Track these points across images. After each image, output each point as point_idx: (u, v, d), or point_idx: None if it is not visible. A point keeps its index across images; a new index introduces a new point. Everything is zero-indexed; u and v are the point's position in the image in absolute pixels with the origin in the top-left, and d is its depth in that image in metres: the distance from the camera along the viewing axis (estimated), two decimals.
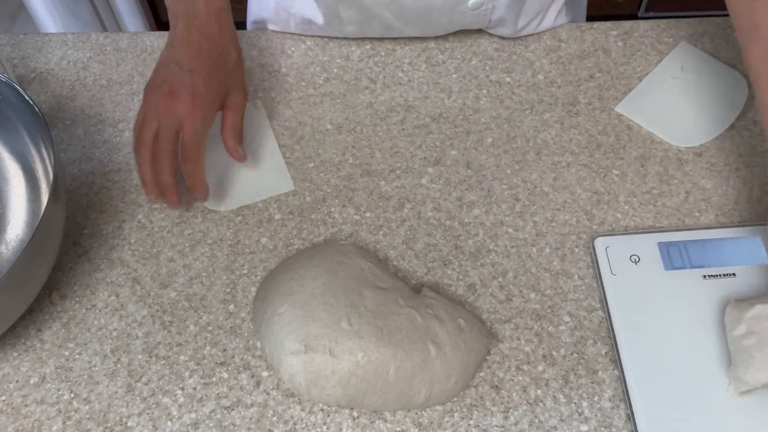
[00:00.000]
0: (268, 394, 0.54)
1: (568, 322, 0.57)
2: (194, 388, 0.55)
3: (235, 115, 0.62)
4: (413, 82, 0.72)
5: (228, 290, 0.59)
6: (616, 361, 0.54)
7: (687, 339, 0.54)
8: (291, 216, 0.63)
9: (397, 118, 0.69)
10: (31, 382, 0.55)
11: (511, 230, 0.62)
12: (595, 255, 0.59)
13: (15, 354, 0.57)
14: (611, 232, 0.61)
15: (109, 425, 0.53)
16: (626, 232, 0.61)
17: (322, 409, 0.53)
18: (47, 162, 0.62)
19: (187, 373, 0.55)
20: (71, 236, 0.63)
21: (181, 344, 0.57)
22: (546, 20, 0.74)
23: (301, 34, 0.76)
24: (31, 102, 0.57)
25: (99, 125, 0.70)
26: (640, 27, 0.75)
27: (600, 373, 0.54)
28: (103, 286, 0.60)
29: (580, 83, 0.71)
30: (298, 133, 0.69)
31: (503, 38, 0.74)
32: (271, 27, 0.77)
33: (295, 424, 0.53)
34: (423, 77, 0.72)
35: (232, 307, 0.58)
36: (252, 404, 0.54)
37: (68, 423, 0.53)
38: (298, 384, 0.50)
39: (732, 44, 0.73)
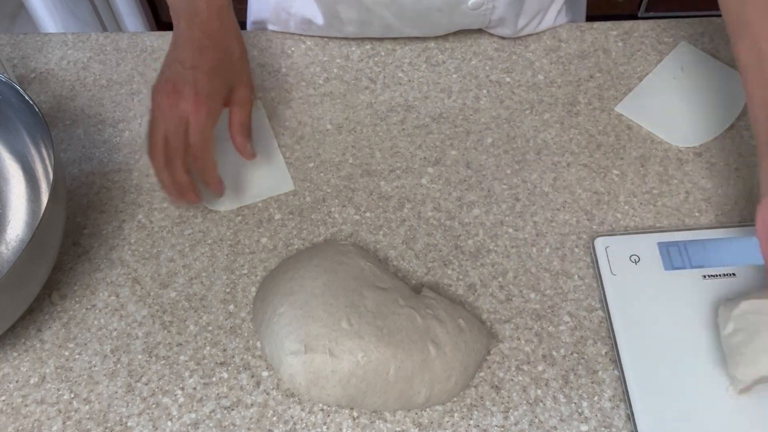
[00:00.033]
0: (268, 394, 0.54)
1: (568, 322, 0.57)
2: (194, 388, 0.55)
3: (241, 110, 0.62)
4: (413, 82, 0.72)
5: (228, 290, 0.59)
6: (616, 361, 0.54)
7: (687, 339, 0.54)
8: (291, 216, 0.63)
9: (397, 118, 0.69)
10: (31, 382, 0.55)
11: (511, 230, 0.62)
12: (595, 255, 0.59)
13: (15, 354, 0.57)
14: (611, 232, 0.61)
15: (109, 425, 0.53)
16: (626, 232, 0.61)
17: (322, 409, 0.53)
18: (47, 162, 0.62)
19: (187, 373, 0.55)
20: (71, 236, 0.63)
21: (181, 344, 0.57)
22: (546, 20, 0.74)
23: (301, 34, 0.76)
24: (31, 102, 0.57)
25: (99, 125, 0.70)
26: (640, 27, 0.75)
27: (600, 373, 0.54)
28: (103, 286, 0.60)
29: (580, 83, 0.71)
30: (298, 133, 0.69)
31: (503, 38, 0.74)
32: (271, 27, 0.77)
33: (295, 424, 0.53)
34: (423, 77, 0.72)
35: (232, 307, 0.58)
36: (252, 404, 0.54)
37: (68, 423, 0.53)
38: (298, 384, 0.50)
39: None
